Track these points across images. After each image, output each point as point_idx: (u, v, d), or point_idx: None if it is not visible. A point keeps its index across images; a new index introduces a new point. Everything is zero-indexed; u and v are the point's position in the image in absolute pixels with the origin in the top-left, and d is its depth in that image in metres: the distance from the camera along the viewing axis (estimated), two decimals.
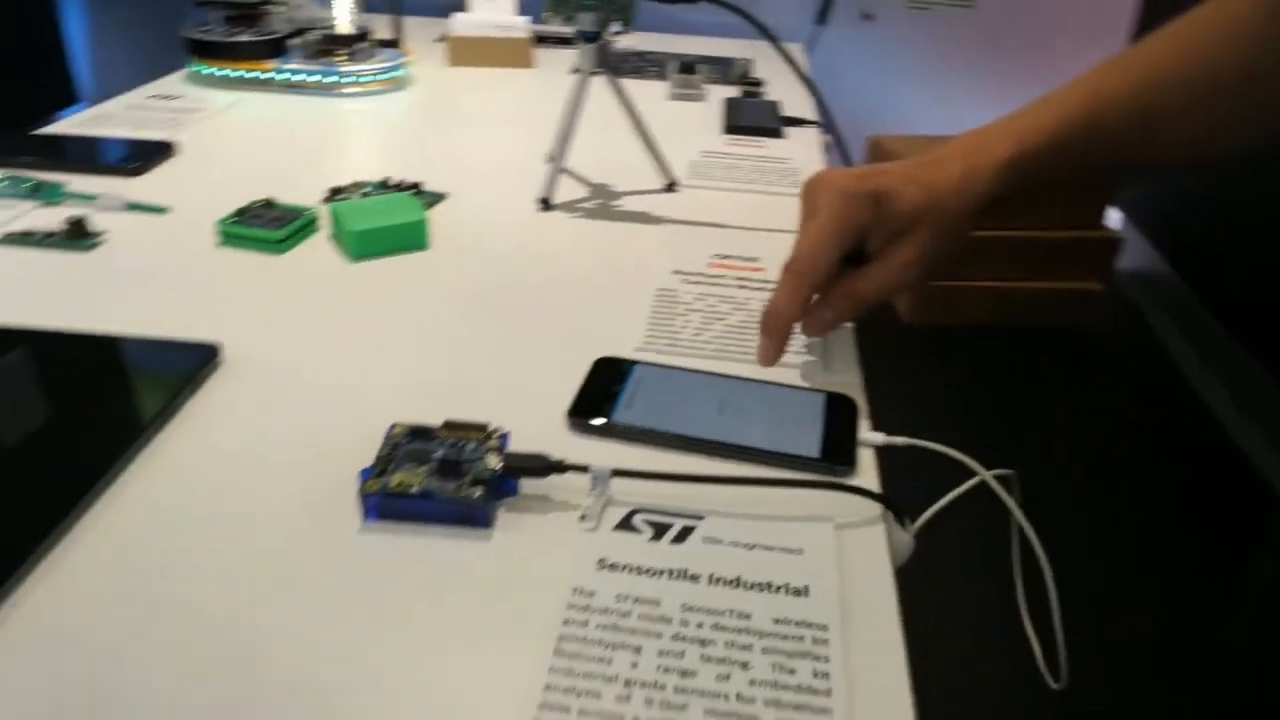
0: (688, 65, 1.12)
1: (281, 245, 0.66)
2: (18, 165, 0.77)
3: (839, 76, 1.86)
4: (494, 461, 0.43)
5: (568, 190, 0.80)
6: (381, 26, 1.16)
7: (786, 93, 1.13)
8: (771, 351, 0.53)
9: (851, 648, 0.37)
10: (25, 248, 0.66)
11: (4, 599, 0.37)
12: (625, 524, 0.42)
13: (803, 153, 0.92)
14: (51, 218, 0.68)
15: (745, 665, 0.35)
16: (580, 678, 0.34)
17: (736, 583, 0.39)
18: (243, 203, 0.70)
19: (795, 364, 0.55)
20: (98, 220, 0.70)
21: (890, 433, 0.49)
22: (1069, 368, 1.88)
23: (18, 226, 0.68)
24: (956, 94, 1.93)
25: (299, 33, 1.08)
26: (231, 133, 0.93)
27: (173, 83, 1.07)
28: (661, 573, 0.39)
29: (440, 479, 0.42)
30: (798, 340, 0.57)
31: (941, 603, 1.11)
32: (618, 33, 0.74)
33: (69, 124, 0.91)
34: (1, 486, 0.43)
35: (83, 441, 0.46)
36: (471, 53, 1.21)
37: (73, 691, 0.34)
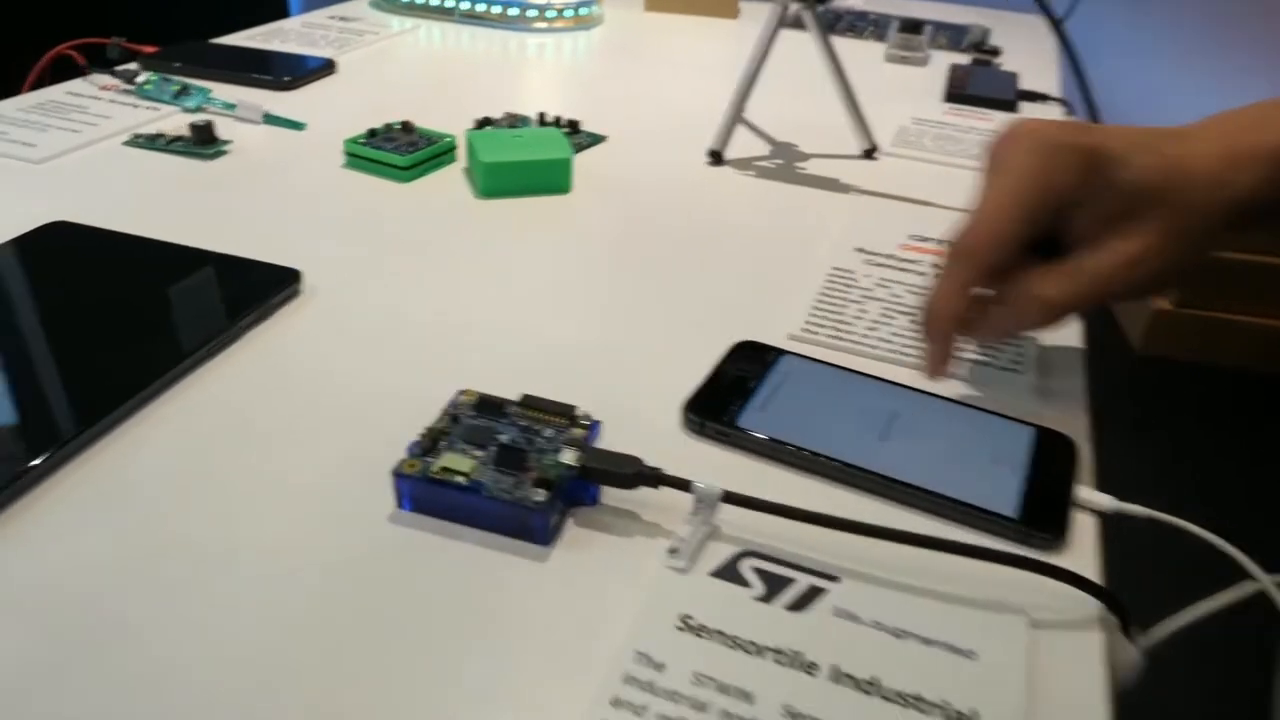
0: (911, 25, 0.97)
1: (407, 173, 0.58)
2: (176, 71, 0.73)
3: (1092, 56, 1.62)
4: (569, 457, 0.33)
5: (746, 146, 0.69)
6: None
7: (1028, 66, 0.96)
8: (935, 357, 0.39)
9: None
10: (151, 150, 0.61)
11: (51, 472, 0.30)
12: (729, 570, 0.31)
13: None
14: (188, 122, 0.63)
15: None
16: None
17: (871, 686, 0.27)
18: (382, 125, 0.63)
19: (996, 380, 0.42)
20: (231, 130, 0.65)
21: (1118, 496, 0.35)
22: None
23: (150, 129, 0.64)
24: (1238, 88, 1.64)
25: None
26: (398, 58, 0.87)
27: (359, 5, 1.03)
28: (765, 651, 0.28)
29: (497, 470, 0.32)
30: (1004, 351, 0.44)
31: None
32: None
33: (243, 36, 0.88)
34: (56, 381, 0.36)
35: (135, 350, 0.39)
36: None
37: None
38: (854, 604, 0.30)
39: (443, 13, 1.00)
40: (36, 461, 0.33)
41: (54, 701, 0.26)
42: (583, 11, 1.01)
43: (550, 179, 0.58)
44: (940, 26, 1.09)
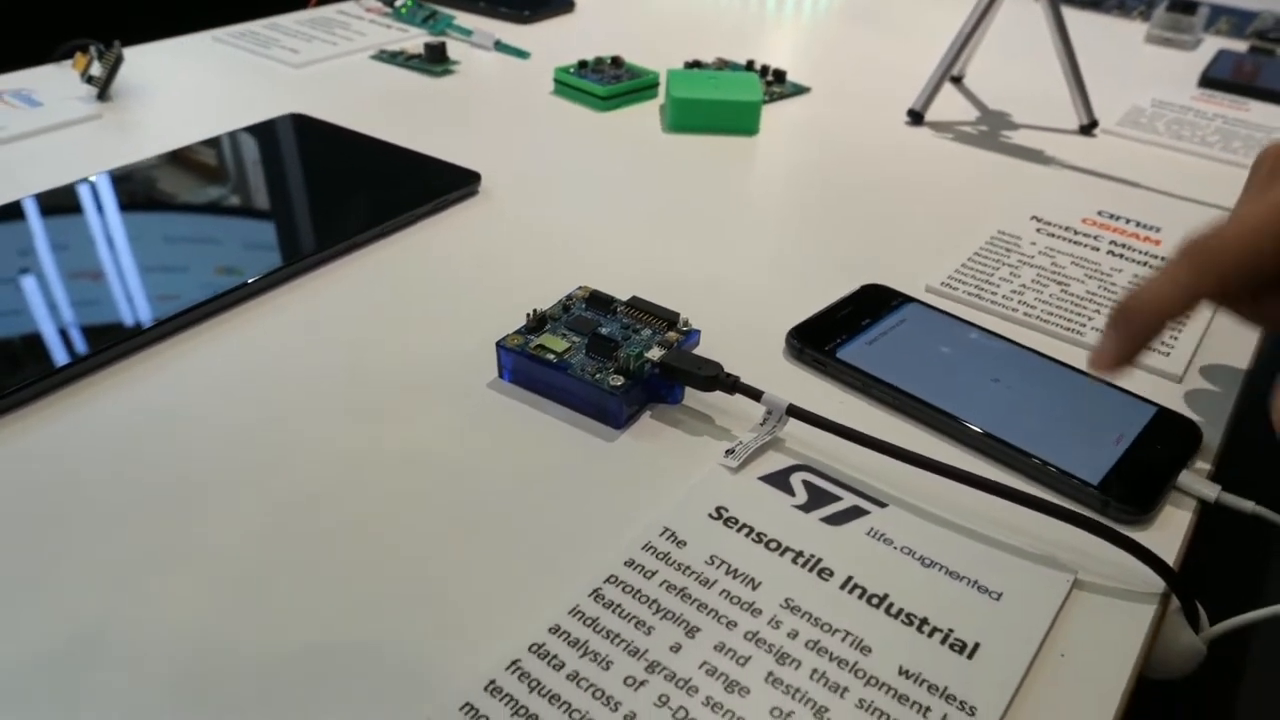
0: (1183, 4, 0.89)
1: (605, 102, 0.62)
2: (435, 0, 0.80)
3: None
4: (653, 353, 0.34)
5: (956, 110, 0.67)
6: None
7: None
8: (1111, 352, 0.34)
9: None
10: (390, 64, 0.68)
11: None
12: (779, 478, 0.32)
13: None
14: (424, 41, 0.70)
15: (823, 712, 0.24)
16: (600, 635, 0.26)
17: (880, 601, 0.27)
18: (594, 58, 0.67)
19: (1144, 363, 0.40)
20: (465, 53, 0.71)
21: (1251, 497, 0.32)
22: None
23: (395, 46, 0.71)
24: None
25: None
26: (642, 2, 0.90)
27: None
28: (787, 551, 0.29)
29: (588, 355, 0.35)
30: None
31: None
32: None
33: None
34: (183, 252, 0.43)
35: (335, 218, 0.46)
36: None
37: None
38: (892, 529, 0.30)
39: None
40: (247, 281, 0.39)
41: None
42: None
43: (738, 120, 0.60)
44: (1224, 11, 0.99)
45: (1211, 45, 0.88)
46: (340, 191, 0.49)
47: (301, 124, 0.56)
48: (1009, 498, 0.30)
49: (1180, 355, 0.40)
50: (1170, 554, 0.30)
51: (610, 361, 0.34)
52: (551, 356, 0.35)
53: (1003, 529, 0.30)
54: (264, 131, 0.55)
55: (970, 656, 0.26)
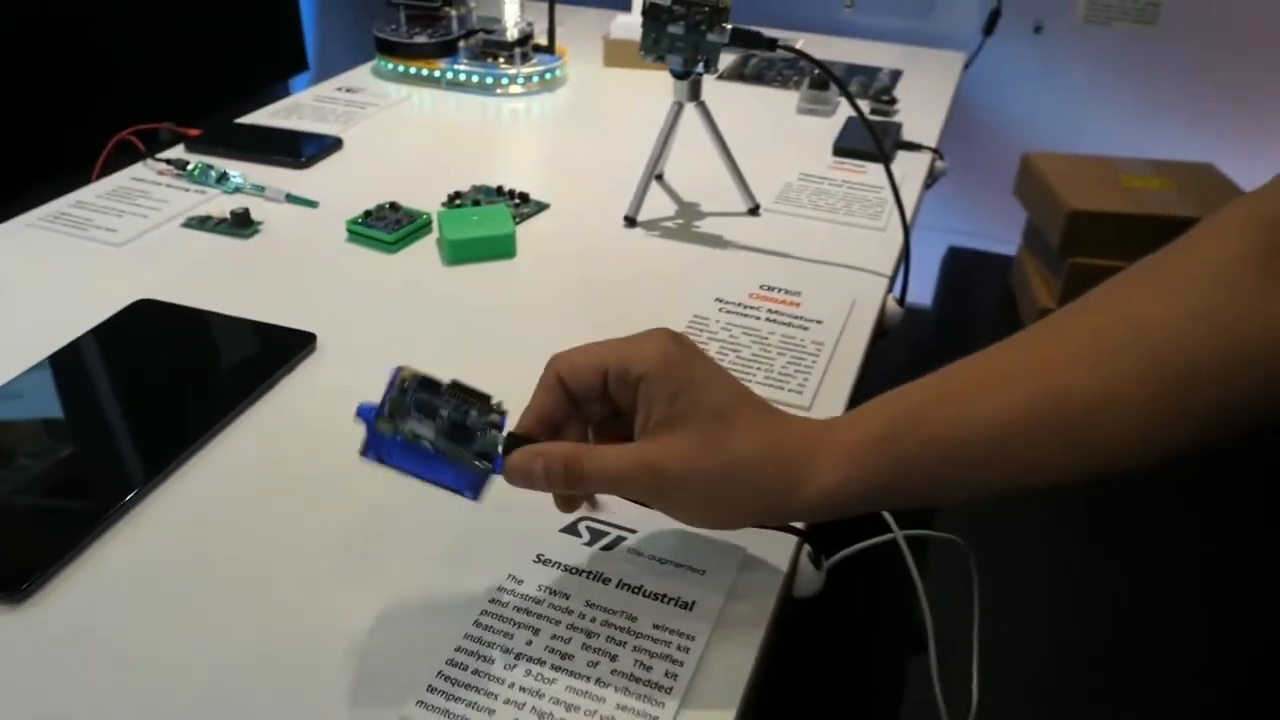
0: (820, 82, 1.16)
1: (393, 246, 0.79)
2: (215, 154, 0.94)
3: (1001, 90, 1.81)
4: (500, 438, 0.45)
5: (658, 208, 0.88)
6: (542, 18, 1.24)
7: (921, 113, 1.14)
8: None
9: (709, 660, 0.44)
10: (201, 231, 0.82)
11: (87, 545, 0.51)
12: (571, 528, 0.51)
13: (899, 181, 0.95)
14: (231, 204, 0.84)
15: (614, 657, 0.44)
16: (484, 645, 0.44)
17: (638, 590, 0.47)
18: (379, 200, 0.83)
19: (780, 399, 0.62)
20: (262, 209, 0.85)
21: None
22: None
23: (200, 211, 0.84)
24: (1126, 115, 1.83)
25: (468, 35, 1.21)
26: (393, 130, 1.07)
27: (361, 74, 1.23)
28: (581, 572, 0.48)
29: (449, 440, 0.44)
30: (789, 372, 0.64)
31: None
32: (700, 74, 0.80)
33: (265, 114, 1.08)
34: (87, 458, 0.57)
35: (183, 408, 0.60)
36: (627, 56, 1.29)
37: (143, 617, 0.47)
38: (642, 545, 0.50)
39: (431, 81, 1.19)
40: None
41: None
42: (547, 76, 1.20)
43: (499, 248, 0.78)
44: (856, 70, 1.27)
45: (847, 109, 1.15)
46: (197, 375, 0.63)
47: (151, 309, 0.69)
48: None
49: (808, 391, 0.62)
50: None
51: (470, 445, 0.45)
52: (426, 444, 0.44)
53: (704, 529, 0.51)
54: (121, 322, 0.67)
55: (690, 609, 0.46)
